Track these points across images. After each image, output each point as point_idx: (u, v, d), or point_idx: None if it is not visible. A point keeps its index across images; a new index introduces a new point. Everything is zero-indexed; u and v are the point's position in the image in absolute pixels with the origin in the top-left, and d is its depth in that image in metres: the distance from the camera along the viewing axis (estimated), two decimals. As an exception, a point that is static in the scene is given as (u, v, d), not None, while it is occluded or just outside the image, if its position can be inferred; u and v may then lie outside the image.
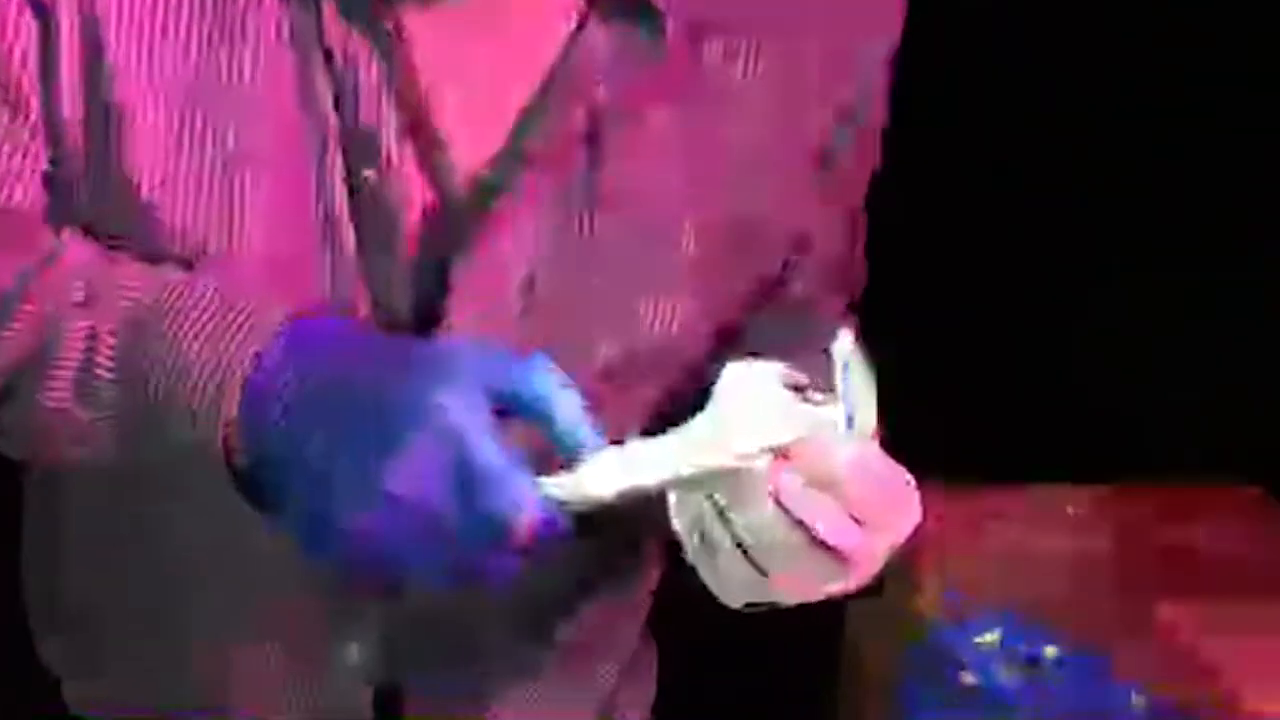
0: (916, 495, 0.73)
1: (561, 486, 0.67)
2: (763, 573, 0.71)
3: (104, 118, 0.79)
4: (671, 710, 1.17)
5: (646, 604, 1.07)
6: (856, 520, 0.71)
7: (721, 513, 0.71)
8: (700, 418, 0.69)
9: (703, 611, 0.76)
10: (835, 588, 0.73)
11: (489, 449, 0.66)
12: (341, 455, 0.67)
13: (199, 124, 0.79)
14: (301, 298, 0.77)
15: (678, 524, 0.73)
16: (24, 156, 0.80)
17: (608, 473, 0.68)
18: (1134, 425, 1.89)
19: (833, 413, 0.70)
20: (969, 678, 1.17)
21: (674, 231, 0.87)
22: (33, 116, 0.79)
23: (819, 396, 0.70)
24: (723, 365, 0.71)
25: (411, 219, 0.82)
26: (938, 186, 1.81)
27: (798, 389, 0.70)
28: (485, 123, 0.83)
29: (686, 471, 0.68)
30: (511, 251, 0.83)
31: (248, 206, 0.80)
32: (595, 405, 0.70)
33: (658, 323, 0.88)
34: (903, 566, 1.35)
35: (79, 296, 0.77)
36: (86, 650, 1.01)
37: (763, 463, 0.69)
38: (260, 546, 0.78)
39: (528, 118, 0.83)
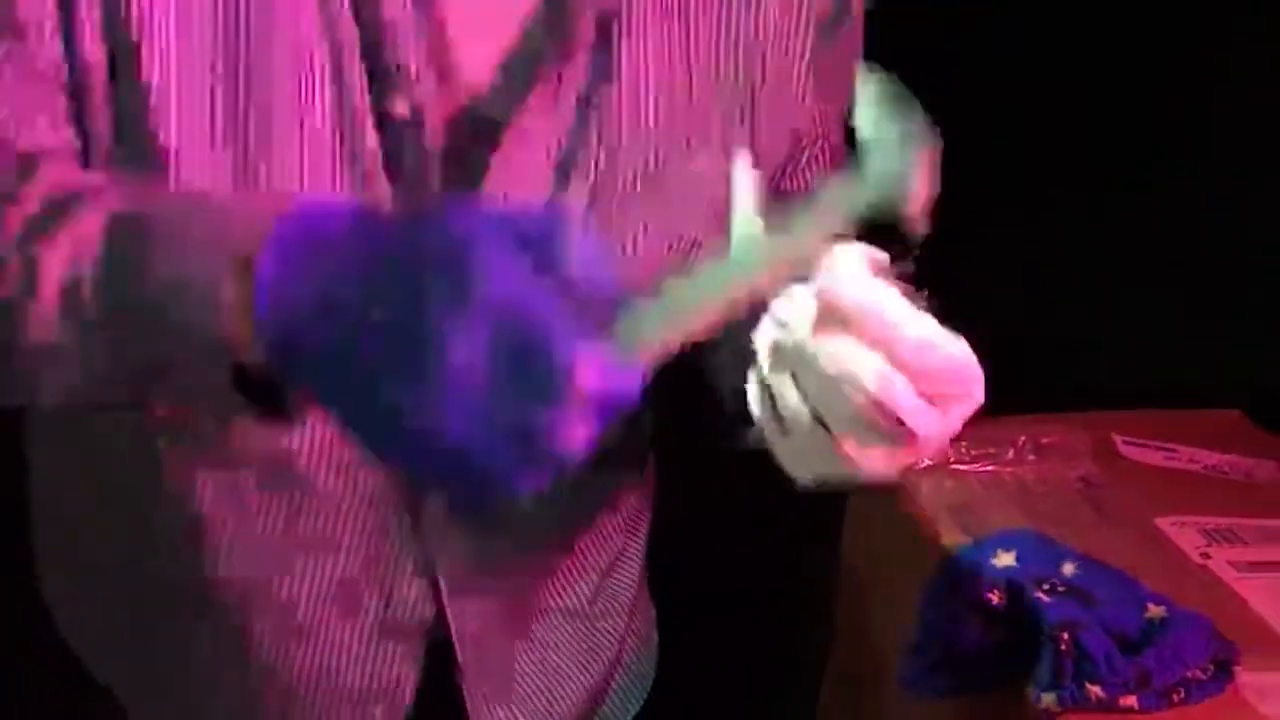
0: (977, 366, 0.73)
1: (626, 334, 0.63)
2: (831, 440, 0.72)
3: (129, 63, 0.79)
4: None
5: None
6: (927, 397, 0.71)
7: (794, 377, 0.72)
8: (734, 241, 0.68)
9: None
10: (906, 459, 0.73)
11: (542, 304, 0.60)
12: (387, 327, 0.60)
13: (220, 68, 0.80)
14: None
15: (750, 391, 0.74)
16: (48, 96, 0.80)
17: (663, 313, 0.64)
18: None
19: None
20: (994, 598, 1.16)
21: (695, 96, 0.89)
22: (55, 60, 0.79)
23: None
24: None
25: (434, 142, 0.85)
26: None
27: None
28: (492, 28, 0.85)
29: (741, 285, 0.66)
30: (540, 144, 0.85)
31: (274, 157, 0.82)
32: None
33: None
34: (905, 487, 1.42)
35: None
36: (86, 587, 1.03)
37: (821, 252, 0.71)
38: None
39: (534, 17, 0.84)
